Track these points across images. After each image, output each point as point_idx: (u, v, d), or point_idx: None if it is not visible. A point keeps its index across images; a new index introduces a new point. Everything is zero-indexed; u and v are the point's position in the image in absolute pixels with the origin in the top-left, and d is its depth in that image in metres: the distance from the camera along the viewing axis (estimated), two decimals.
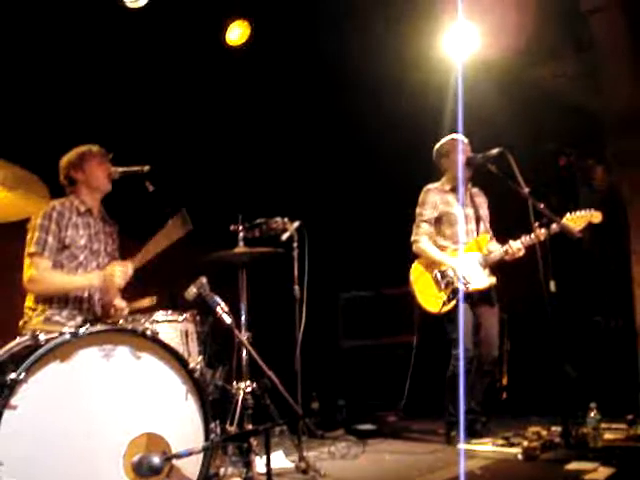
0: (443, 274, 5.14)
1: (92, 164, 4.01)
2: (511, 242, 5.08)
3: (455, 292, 5.06)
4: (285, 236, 4.73)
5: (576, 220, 4.98)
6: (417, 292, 5.21)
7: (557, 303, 4.57)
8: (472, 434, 4.92)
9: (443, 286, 5.12)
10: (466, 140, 5.24)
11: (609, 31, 5.74)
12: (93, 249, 3.97)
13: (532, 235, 4.92)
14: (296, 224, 4.76)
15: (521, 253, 5.05)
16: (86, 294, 3.90)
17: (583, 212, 5.01)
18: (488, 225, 5.38)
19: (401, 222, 5.43)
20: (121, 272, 3.78)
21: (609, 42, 5.80)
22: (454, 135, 5.26)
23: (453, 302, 5.05)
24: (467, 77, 5.48)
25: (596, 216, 5.01)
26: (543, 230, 4.89)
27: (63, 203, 3.92)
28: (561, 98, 5.88)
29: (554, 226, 4.91)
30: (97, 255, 3.99)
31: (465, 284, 5.05)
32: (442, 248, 5.23)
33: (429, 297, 5.15)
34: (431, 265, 5.21)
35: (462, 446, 4.69)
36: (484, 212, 5.37)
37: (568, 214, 4.97)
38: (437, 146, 5.37)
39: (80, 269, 3.89)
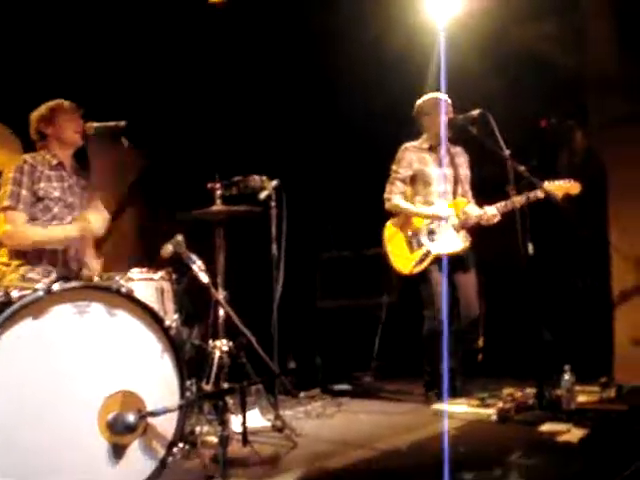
0: (416, 235, 5.15)
1: (63, 118, 3.97)
2: (486, 208, 5.06)
3: (427, 254, 5.08)
4: (263, 195, 4.68)
5: (554, 189, 4.90)
6: (389, 251, 5.24)
7: (534, 265, 4.57)
8: (451, 391, 4.94)
9: (415, 247, 5.14)
10: (449, 100, 5.19)
11: None
12: (67, 202, 3.92)
13: (509, 201, 4.89)
14: (274, 182, 4.70)
15: (496, 219, 5.03)
16: (61, 248, 3.85)
17: (562, 182, 4.94)
18: (468, 186, 5.35)
19: (382, 182, 5.39)
20: (97, 217, 3.75)
21: (593, 3, 5.76)
22: (437, 94, 5.20)
23: (425, 264, 5.07)
24: (449, 38, 5.41)
25: (574, 187, 4.92)
26: (521, 197, 4.84)
27: (34, 157, 3.92)
28: (543, 59, 5.83)
29: (534, 193, 4.86)
30: (72, 209, 3.94)
31: (433, 242, 5.08)
32: None
33: (401, 257, 5.18)
34: (406, 225, 5.21)
35: (445, 406, 4.71)
36: (464, 172, 5.34)
37: (546, 182, 4.91)
38: (419, 102, 5.30)
39: (55, 222, 3.85)
